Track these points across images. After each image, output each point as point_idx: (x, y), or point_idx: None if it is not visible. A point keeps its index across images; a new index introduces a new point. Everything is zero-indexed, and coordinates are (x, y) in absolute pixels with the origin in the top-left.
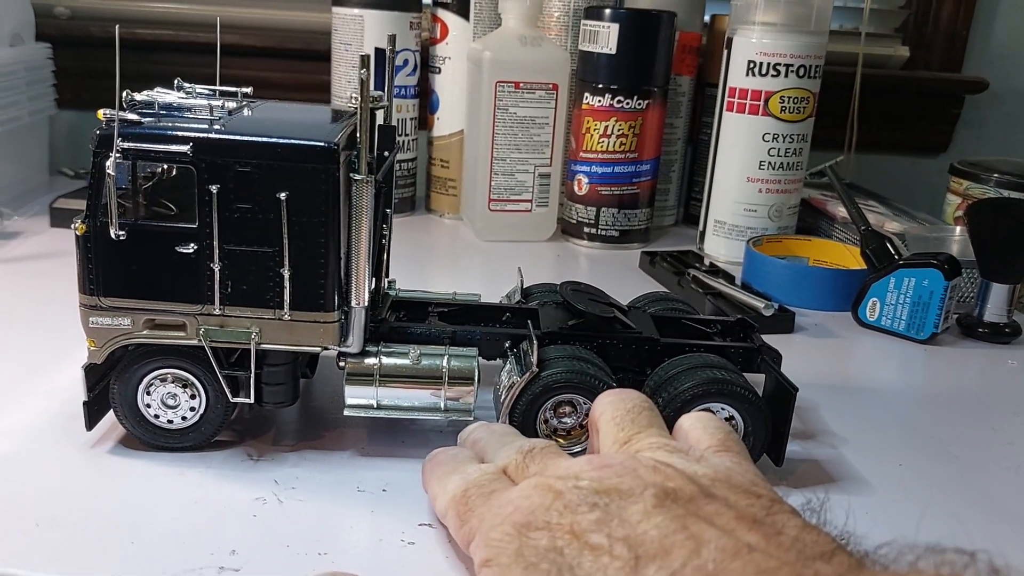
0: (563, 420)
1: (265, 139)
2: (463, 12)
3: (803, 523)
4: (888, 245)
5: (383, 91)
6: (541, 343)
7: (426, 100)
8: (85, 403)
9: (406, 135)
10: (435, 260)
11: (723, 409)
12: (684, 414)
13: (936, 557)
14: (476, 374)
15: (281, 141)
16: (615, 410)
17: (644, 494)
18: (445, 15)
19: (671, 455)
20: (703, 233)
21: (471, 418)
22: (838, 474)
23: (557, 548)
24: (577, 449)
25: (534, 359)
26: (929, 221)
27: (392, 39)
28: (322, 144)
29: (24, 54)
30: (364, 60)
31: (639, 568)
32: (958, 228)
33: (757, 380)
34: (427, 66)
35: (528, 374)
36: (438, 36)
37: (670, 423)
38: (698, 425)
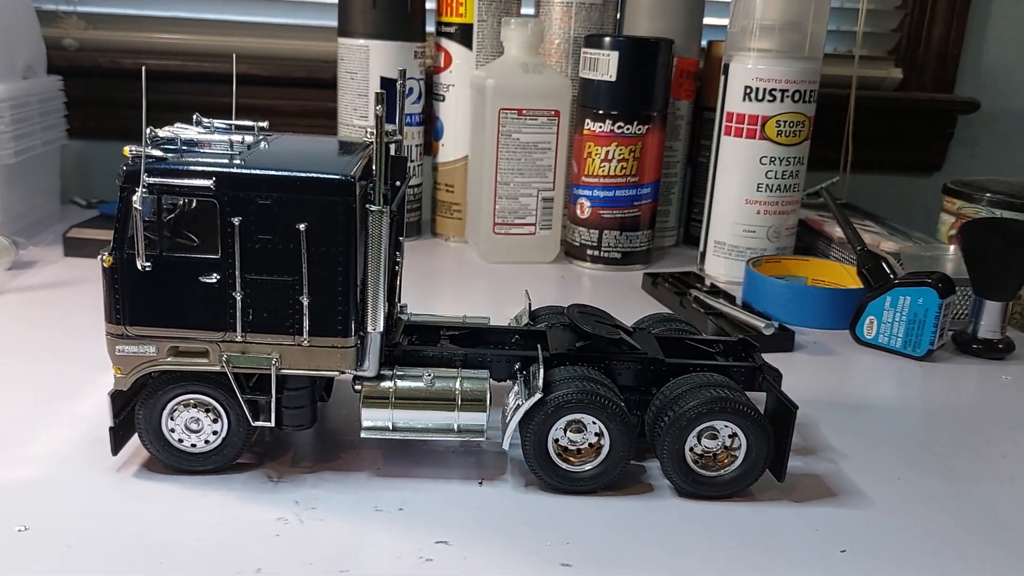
0: (573, 439)
1: (285, 173)
2: (466, 41)
3: None
4: (884, 265)
5: (393, 120)
6: (550, 364)
7: (431, 127)
8: (111, 428)
9: (412, 161)
10: (442, 283)
11: (726, 426)
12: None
13: None
14: (488, 396)
15: (300, 175)
16: None
17: None
18: (449, 44)
19: None
20: (704, 254)
21: (483, 438)
22: (839, 488)
23: None
24: (588, 467)
25: (540, 383)
26: (924, 240)
27: (403, 74)
28: (340, 177)
29: (37, 87)
30: (379, 97)
31: None
32: (952, 247)
33: (759, 398)
34: (431, 94)
35: (533, 398)
36: (442, 64)
37: (676, 440)
38: None
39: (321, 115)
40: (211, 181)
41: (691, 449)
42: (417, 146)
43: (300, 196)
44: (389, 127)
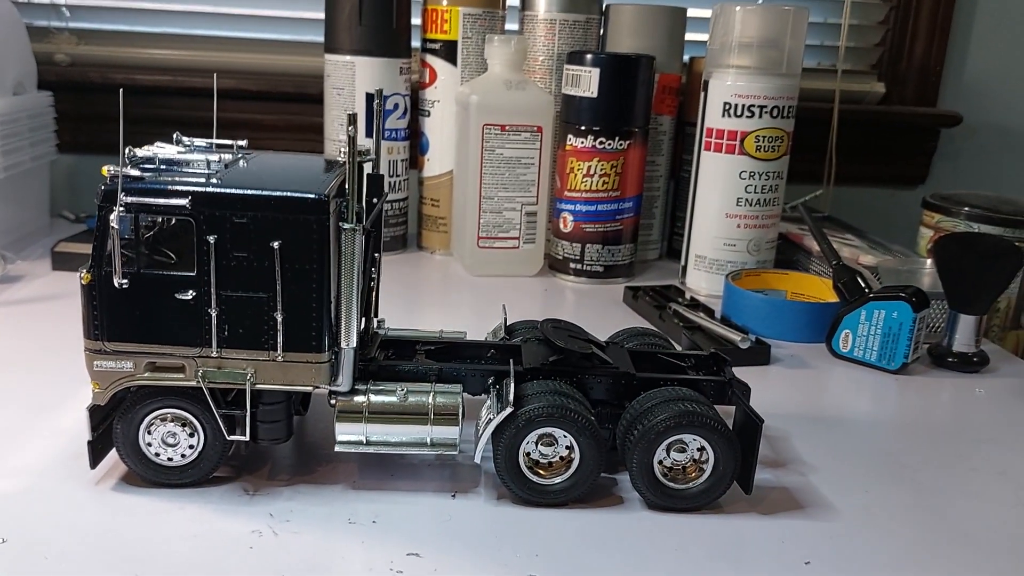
0: (544, 452)
1: (259, 192)
2: (451, 57)
3: None
4: (859, 279)
5: (372, 135)
6: (523, 379)
7: (417, 141)
8: (89, 442)
9: (397, 175)
10: (427, 295)
11: (695, 440)
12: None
13: None
14: (460, 410)
15: (274, 194)
16: None
17: None
18: (434, 60)
19: None
20: (685, 267)
21: (456, 452)
22: (806, 501)
23: None
24: (558, 480)
25: (511, 397)
26: (903, 254)
27: (379, 93)
28: (312, 196)
29: (27, 103)
30: (351, 119)
31: None
32: (929, 261)
33: (729, 412)
34: (417, 109)
35: (504, 412)
36: (427, 80)
37: (646, 453)
38: None
39: (309, 129)
40: (187, 200)
41: (660, 462)
42: (403, 160)
43: (274, 214)
44: (363, 147)
